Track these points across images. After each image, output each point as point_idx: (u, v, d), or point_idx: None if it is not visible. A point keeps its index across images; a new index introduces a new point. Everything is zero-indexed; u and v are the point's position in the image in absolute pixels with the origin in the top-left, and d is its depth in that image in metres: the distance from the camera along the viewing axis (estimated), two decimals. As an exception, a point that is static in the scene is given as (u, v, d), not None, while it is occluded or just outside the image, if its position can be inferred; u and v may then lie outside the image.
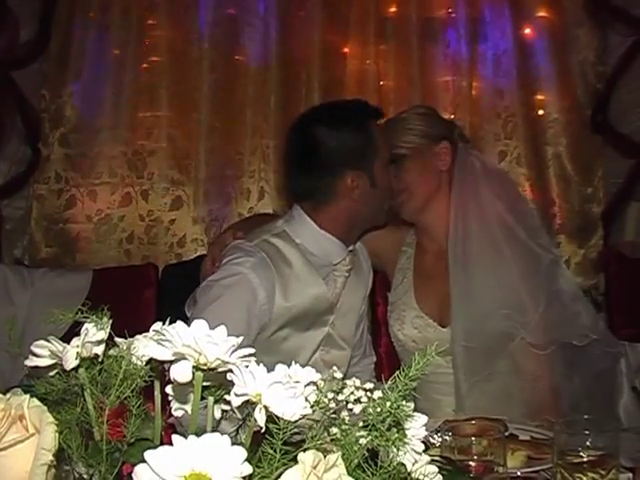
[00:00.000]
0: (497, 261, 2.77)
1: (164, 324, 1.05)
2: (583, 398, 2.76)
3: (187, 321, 1.03)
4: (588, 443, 1.83)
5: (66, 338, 1.10)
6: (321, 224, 2.67)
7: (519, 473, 1.59)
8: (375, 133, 2.70)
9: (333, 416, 1.07)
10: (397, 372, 1.01)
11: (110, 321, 1.12)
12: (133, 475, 0.89)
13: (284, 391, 0.99)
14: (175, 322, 1.04)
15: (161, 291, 3.45)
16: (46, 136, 3.81)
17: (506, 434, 1.95)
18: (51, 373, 1.11)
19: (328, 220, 2.68)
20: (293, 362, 1.08)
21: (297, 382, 1.03)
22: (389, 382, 1.02)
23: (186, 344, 0.99)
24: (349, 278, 2.77)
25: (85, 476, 1.07)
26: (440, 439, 1.82)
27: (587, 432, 1.83)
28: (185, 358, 1.01)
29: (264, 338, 2.54)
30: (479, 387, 2.72)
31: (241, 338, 1.02)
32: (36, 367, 1.10)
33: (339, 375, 1.12)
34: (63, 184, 3.83)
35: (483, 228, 2.80)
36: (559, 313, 2.78)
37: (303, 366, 1.08)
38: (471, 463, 1.77)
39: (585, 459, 1.81)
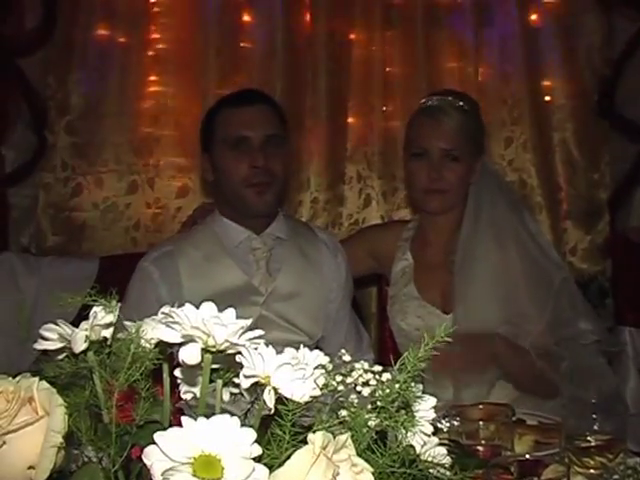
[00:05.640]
0: (505, 270, 2.77)
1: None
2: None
3: None
4: (596, 427, 1.83)
5: (74, 325, 1.10)
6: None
7: (528, 457, 1.59)
8: (219, 118, 2.82)
9: (341, 399, 1.07)
10: (406, 353, 1.01)
11: (118, 305, 1.12)
12: (143, 457, 0.89)
13: (293, 372, 0.99)
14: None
15: (167, 278, 3.46)
16: (52, 124, 3.80)
17: (513, 419, 1.95)
18: (60, 356, 1.11)
19: (216, 202, 2.95)
20: None
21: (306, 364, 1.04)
22: (398, 363, 1.02)
23: (195, 326, 0.99)
24: (291, 264, 2.84)
25: (94, 459, 1.07)
26: (448, 424, 1.82)
27: (595, 416, 1.83)
28: (194, 340, 1.01)
29: None
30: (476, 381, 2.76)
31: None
32: (45, 351, 1.11)
33: (347, 358, 1.12)
34: (69, 172, 3.82)
35: (496, 237, 2.80)
36: (559, 320, 2.79)
37: None
38: (479, 447, 1.78)
39: (593, 443, 1.82)
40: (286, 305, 2.80)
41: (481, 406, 1.95)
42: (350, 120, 3.86)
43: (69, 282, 3.26)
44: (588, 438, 1.83)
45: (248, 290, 2.75)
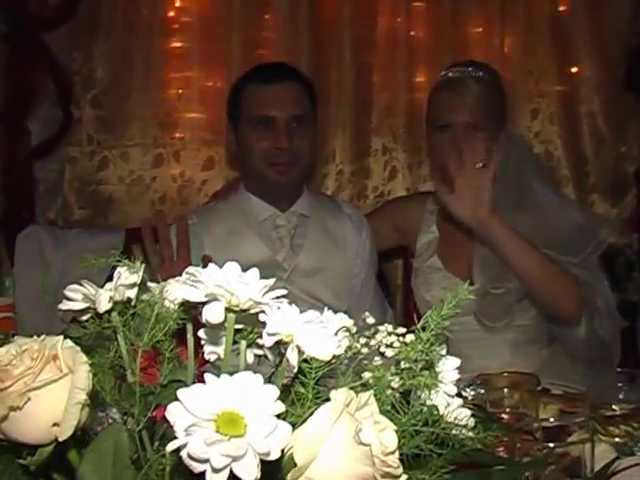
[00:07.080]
0: (532, 231, 2.73)
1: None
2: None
3: None
4: (621, 396, 1.83)
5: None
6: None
7: (552, 420, 1.59)
8: (245, 93, 2.80)
9: (365, 361, 1.07)
10: (429, 311, 1.00)
11: (143, 266, 1.12)
12: (166, 414, 0.89)
13: (317, 331, 0.99)
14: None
15: (193, 251, 3.47)
16: (78, 98, 3.81)
17: (538, 388, 1.95)
18: (84, 317, 1.11)
19: (241, 175, 3.02)
20: None
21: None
22: (421, 322, 1.01)
23: (218, 284, 0.99)
24: (314, 240, 2.86)
25: (119, 420, 1.08)
26: (473, 392, 1.82)
27: (620, 385, 1.83)
28: (217, 299, 1.01)
29: None
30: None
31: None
32: (72, 320, 1.11)
33: (371, 320, 1.12)
34: (95, 146, 3.83)
35: (521, 205, 2.77)
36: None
37: None
38: (504, 415, 1.78)
39: (618, 412, 1.81)
40: (310, 281, 2.81)
41: (506, 374, 1.95)
42: (375, 92, 3.85)
43: (96, 255, 3.26)
44: (613, 407, 1.82)
45: (272, 265, 2.76)
